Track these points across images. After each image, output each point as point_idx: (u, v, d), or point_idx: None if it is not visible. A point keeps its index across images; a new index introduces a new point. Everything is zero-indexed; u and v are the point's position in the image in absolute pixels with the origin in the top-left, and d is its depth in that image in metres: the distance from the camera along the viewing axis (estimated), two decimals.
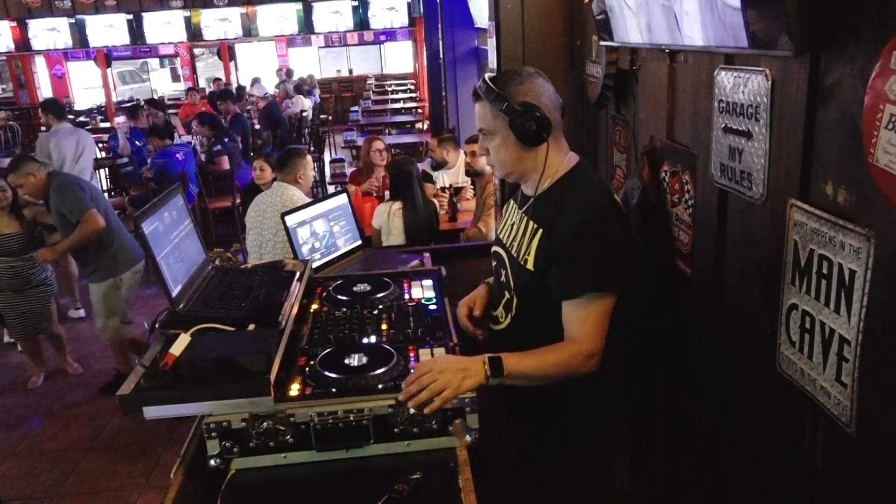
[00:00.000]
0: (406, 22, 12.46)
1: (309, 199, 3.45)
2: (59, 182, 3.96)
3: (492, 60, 3.10)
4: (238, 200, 6.38)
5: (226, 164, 7.10)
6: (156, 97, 14.67)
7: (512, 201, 1.82)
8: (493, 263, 1.82)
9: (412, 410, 1.39)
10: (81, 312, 5.44)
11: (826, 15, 1.22)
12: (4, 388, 4.39)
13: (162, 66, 20.41)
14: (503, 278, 1.75)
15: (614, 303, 1.56)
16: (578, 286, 1.54)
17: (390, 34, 16.03)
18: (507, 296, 1.72)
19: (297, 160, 3.78)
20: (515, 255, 1.68)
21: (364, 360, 1.51)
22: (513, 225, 1.75)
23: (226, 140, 7.38)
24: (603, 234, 1.55)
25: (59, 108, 6.24)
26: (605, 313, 1.54)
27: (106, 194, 7.31)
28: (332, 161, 6.83)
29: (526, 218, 1.69)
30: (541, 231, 1.61)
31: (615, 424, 1.85)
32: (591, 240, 1.54)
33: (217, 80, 14.74)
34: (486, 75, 1.64)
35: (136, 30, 11.49)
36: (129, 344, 4.15)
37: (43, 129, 10.84)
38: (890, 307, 1.13)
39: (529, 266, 1.62)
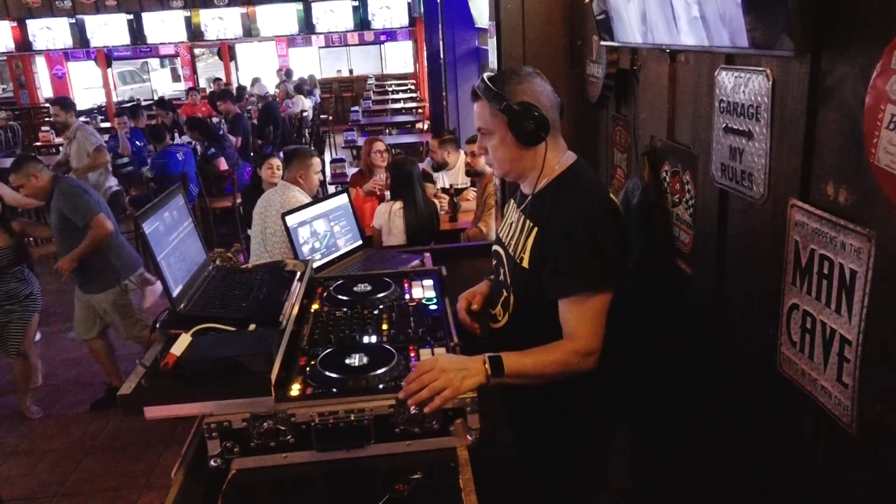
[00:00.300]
0: (406, 22, 12.47)
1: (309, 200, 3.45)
2: (65, 186, 3.88)
3: (492, 60, 3.10)
4: (239, 200, 6.38)
5: (223, 165, 7.10)
6: (155, 97, 14.68)
7: (512, 200, 1.83)
8: (493, 262, 1.83)
9: (413, 410, 1.38)
10: None
11: (827, 15, 1.23)
12: (5, 389, 4.39)
13: (162, 66, 20.40)
14: (502, 277, 1.75)
15: (610, 300, 1.55)
16: (571, 285, 1.54)
17: (390, 34, 16.03)
18: (505, 294, 1.73)
19: (299, 160, 3.76)
20: (512, 254, 1.70)
21: (365, 360, 1.50)
22: (511, 224, 1.76)
23: (220, 137, 7.40)
24: (596, 232, 1.55)
25: (75, 105, 6.25)
26: (601, 311, 1.54)
27: None
28: (333, 161, 6.82)
29: (523, 216, 1.70)
30: (536, 229, 1.62)
31: (614, 424, 1.85)
32: (584, 238, 1.54)
33: (217, 80, 14.75)
34: (485, 74, 1.64)
35: (136, 30, 11.51)
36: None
37: (45, 128, 10.89)
38: (891, 307, 1.13)
39: (525, 264, 1.63)
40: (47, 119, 13.31)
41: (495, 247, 1.83)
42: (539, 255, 1.60)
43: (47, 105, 14.68)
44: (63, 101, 6.04)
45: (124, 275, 3.93)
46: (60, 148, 7.07)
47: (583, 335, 1.53)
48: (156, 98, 14.64)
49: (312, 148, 9.74)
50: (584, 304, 1.53)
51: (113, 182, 6.33)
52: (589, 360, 1.53)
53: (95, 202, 3.86)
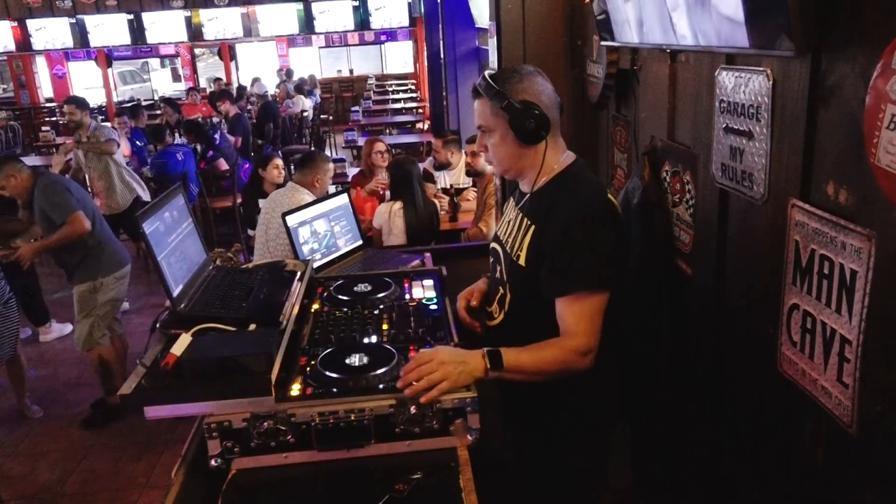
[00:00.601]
0: (406, 22, 12.46)
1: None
2: (45, 183, 3.84)
3: (492, 60, 3.10)
4: (239, 200, 6.38)
5: (223, 165, 7.11)
6: (156, 97, 14.68)
7: (511, 198, 1.83)
8: (491, 260, 1.83)
9: (413, 410, 1.39)
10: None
11: (827, 15, 1.22)
12: (5, 389, 4.39)
13: (163, 66, 20.42)
14: (498, 274, 1.76)
15: (607, 299, 1.55)
16: (568, 284, 1.54)
17: (391, 34, 16.03)
18: (502, 291, 1.73)
19: (317, 164, 3.75)
20: (509, 251, 1.70)
21: (365, 359, 1.50)
22: (510, 222, 1.76)
23: (216, 141, 7.40)
24: (593, 232, 1.56)
25: (89, 105, 6.19)
26: (598, 310, 1.54)
27: None
28: (333, 161, 6.82)
29: (521, 214, 1.70)
30: (534, 227, 1.63)
31: (613, 424, 1.85)
32: (581, 238, 1.55)
33: (217, 80, 14.75)
34: (486, 72, 1.64)
35: (136, 30, 11.50)
36: (97, 359, 3.92)
37: (45, 128, 10.89)
38: (891, 307, 1.12)
39: (521, 262, 1.64)
40: (48, 119, 13.33)
41: (493, 244, 1.84)
42: (536, 254, 1.60)
43: (47, 105, 14.72)
44: (78, 101, 5.97)
45: (103, 273, 3.88)
46: (60, 147, 7.01)
47: (580, 334, 1.53)
48: (157, 98, 14.65)
49: (312, 148, 9.76)
50: (582, 302, 1.53)
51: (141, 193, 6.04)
52: (586, 358, 1.53)
53: (76, 200, 3.81)
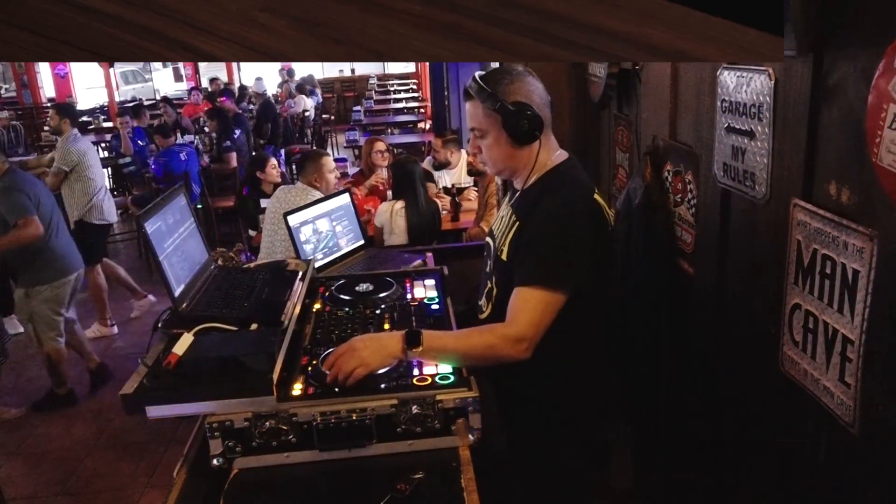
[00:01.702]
0: None
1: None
2: (6, 184, 3.79)
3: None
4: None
5: (233, 161, 7.11)
6: (157, 97, 14.69)
7: (508, 194, 1.85)
8: (484, 254, 1.84)
9: (415, 409, 1.39)
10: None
11: (829, 14, 1.22)
12: (7, 388, 4.40)
13: (164, 65, 20.41)
14: (488, 269, 1.79)
15: (562, 302, 1.53)
16: (530, 276, 1.54)
17: None
18: (489, 285, 1.75)
19: (311, 163, 3.80)
20: (496, 246, 1.72)
21: None
22: (502, 217, 1.79)
23: (235, 135, 7.41)
24: (567, 233, 1.56)
25: (75, 113, 6.04)
26: (547, 307, 1.52)
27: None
28: (335, 161, 6.82)
29: (511, 211, 1.72)
30: (518, 224, 1.65)
31: (609, 425, 1.85)
32: (552, 236, 1.56)
33: (215, 80, 14.75)
34: (477, 74, 1.64)
35: None
36: (46, 355, 3.99)
37: (47, 128, 10.87)
38: (893, 307, 1.12)
39: (504, 256, 1.65)
40: (49, 119, 13.34)
41: (487, 238, 1.86)
42: (515, 249, 1.62)
43: (49, 105, 14.71)
44: (59, 106, 5.83)
45: (39, 281, 3.87)
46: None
47: (520, 322, 1.51)
48: (158, 97, 14.66)
49: (313, 147, 9.76)
50: (533, 294, 1.52)
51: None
52: (519, 346, 1.50)
53: (35, 204, 3.77)
